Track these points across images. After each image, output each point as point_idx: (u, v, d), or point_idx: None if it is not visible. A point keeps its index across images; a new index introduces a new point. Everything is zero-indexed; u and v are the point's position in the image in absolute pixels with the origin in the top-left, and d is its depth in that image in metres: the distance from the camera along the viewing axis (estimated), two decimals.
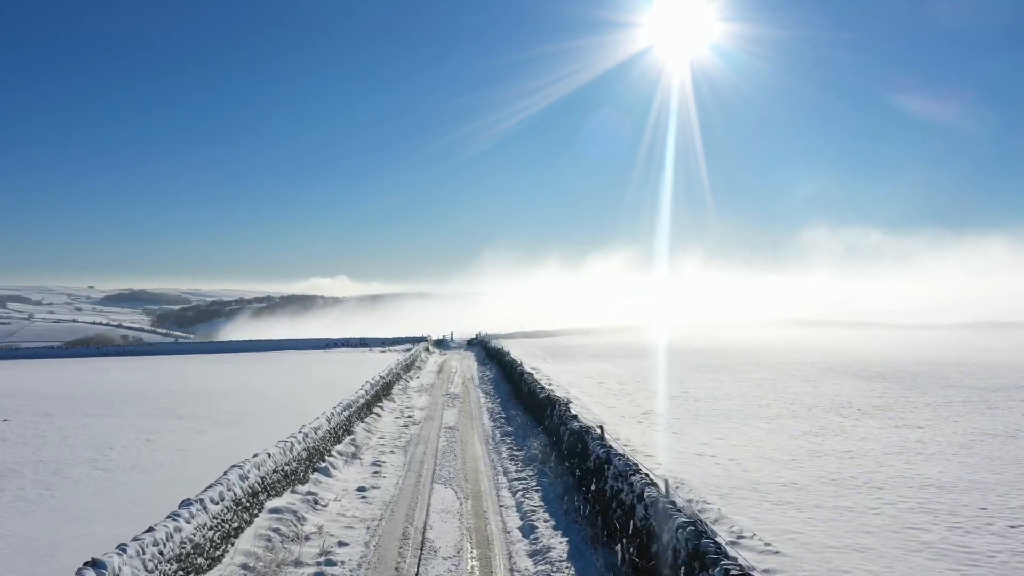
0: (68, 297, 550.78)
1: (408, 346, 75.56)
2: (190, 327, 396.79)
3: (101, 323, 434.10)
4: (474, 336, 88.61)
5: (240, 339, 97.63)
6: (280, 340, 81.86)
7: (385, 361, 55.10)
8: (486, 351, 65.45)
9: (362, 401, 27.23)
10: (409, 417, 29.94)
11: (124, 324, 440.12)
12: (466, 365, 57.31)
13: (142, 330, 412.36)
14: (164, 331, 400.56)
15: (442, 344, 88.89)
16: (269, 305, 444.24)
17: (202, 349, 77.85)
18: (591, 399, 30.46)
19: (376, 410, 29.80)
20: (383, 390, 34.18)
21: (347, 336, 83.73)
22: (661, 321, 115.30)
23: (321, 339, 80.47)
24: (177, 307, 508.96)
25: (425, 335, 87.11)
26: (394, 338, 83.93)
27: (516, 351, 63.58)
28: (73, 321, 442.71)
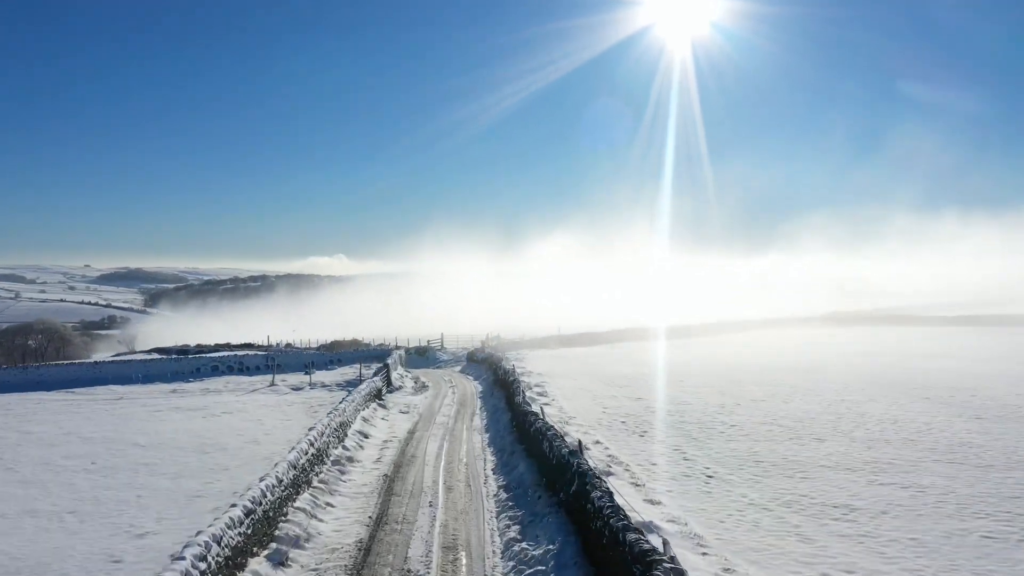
0: (63, 276, 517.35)
1: (354, 370, 37.51)
2: (183, 306, 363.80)
3: (90, 303, 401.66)
4: (480, 344, 50.09)
5: (80, 360, 59.63)
6: (124, 363, 42.96)
7: (256, 450, 17.33)
8: (508, 398, 27.13)
9: None
10: None
11: (114, 304, 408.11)
12: (466, 475, 19.03)
13: (131, 310, 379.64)
14: (156, 311, 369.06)
15: (426, 356, 50.87)
16: (265, 284, 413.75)
17: None
18: None
19: None
20: None
21: (258, 344, 45.45)
22: (661, 316, 77.06)
23: (197, 356, 41.89)
24: (172, 286, 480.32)
25: (392, 346, 48.90)
26: (347, 351, 45.55)
27: (586, 408, 25.54)
28: (61, 301, 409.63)
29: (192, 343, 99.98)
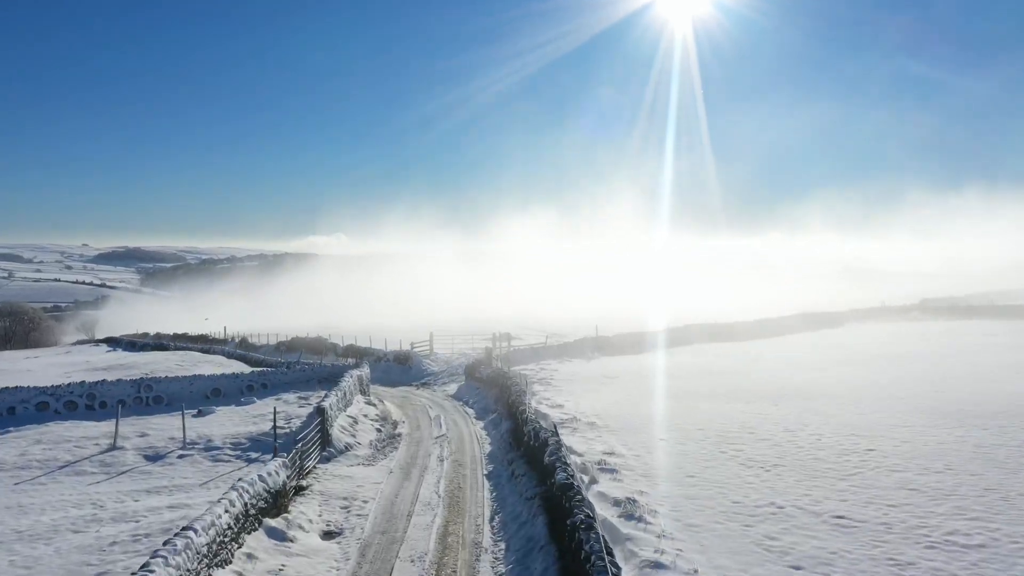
0: (61, 255, 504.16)
1: (285, 401, 21.90)
2: (179, 286, 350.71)
3: (85, 282, 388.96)
4: (484, 351, 34.09)
5: None
6: None
7: None
8: (552, 519, 11.98)
9: None
10: None
11: (109, 283, 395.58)
12: None
13: (126, 289, 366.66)
14: (150, 290, 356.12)
15: (408, 366, 35.43)
16: (262, 264, 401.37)
17: None
18: None
19: None
20: None
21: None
22: (703, 310, 61.78)
23: (18, 388, 25.30)
24: (170, 265, 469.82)
25: (352, 360, 33.46)
26: (279, 371, 30.03)
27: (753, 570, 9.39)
28: (55, 280, 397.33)
29: (153, 331, 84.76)
